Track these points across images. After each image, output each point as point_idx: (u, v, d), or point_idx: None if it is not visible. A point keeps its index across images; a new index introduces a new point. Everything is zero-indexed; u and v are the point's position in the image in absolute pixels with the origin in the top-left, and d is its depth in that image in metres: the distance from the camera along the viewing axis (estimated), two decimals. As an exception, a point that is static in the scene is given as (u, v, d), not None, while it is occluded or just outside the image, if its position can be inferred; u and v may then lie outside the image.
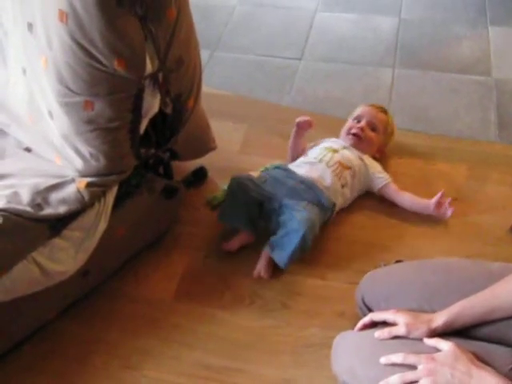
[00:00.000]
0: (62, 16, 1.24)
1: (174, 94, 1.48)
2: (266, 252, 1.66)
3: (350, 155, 1.83)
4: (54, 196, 1.41)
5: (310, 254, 1.70)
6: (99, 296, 1.62)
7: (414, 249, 1.71)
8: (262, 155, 2.00)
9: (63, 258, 1.42)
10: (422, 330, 1.14)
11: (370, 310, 1.32)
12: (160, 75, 1.40)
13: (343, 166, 1.78)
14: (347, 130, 1.90)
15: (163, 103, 1.47)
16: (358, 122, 1.91)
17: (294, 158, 1.91)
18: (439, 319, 1.14)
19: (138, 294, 1.65)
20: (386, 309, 1.23)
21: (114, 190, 1.51)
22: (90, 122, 1.36)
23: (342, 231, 1.78)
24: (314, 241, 1.67)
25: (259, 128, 2.11)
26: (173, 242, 1.77)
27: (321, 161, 1.79)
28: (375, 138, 1.89)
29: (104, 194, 1.47)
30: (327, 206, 1.72)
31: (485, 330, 1.14)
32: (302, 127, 1.88)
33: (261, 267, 1.66)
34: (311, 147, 1.90)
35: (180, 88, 1.48)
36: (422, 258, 1.59)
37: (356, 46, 2.48)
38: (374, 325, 1.25)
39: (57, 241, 1.40)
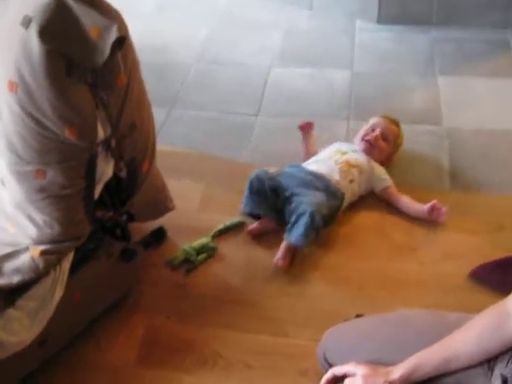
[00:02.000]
0: (12, 86, 1.25)
1: (128, 158, 1.48)
2: (285, 242, 1.81)
3: (358, 157, 2.02)
4: (8, 265, 1.39)
5: (273, 311, 1.70)
6: (59, 366, 1.57)
7: (374, 301, 1.71)
8: (222, 213, 2.00)
9: (18, 329, 1.39)
10: (379, 382, 1.14)
11: (332, 366, 1.31)
12: (113, 141, 1.40)
13: (350, 165, 1.98)
14: (362, 137, 2.09)
15: (117, 168, 1.47)
16: (373, 130, 2.10)
17: (306, 160, 2.09)
18: (397, 372, 1.14)
19: (100, 361, 1.61)
20: (348, 363, 1.23)
21: (70, 257, 1.48)
22: (42, 190, 1.35)
23: (303, 288, 1.78)
24: (276, 297, 1.69)
25: (218, 185, 2.12)
26: (134, 303, 1.74)
27: (330, 159, 2.00)
28: (386, 148, 2.09)
29: (59, 261, 1.45)
30: (335, 193, 1.91)
31: (445, 382, 1.14)
32: (304, 129, 2.15)
33: (279, 256, 1.80)
34: (324, 149, 2.10)
35: (134, 152, 1.49)
36: (382, 310, 1.62)
37: (311, 100, 2.53)
38: (336, 380, 1.24)
39: (11, 311, 1.37)
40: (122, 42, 1.26)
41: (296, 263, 1.84)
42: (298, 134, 2.20)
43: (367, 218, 2.00)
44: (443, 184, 2.11)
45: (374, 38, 2.93)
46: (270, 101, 2.54)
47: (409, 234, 1.93)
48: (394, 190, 2.00)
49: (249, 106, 2.51)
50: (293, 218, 1.82)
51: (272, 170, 2.00)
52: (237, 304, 1.74)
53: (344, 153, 2.03)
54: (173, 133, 2.37)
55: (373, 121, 2.15)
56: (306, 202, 1.82)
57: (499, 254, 1.82)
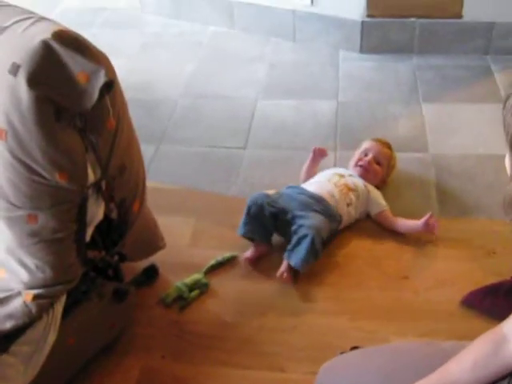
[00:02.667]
0: (1, 134, 1.25)
1: (119, 199, 1.48)
2: (285, 261, 1.86)
3: (356, 181, 2.07)
4: (0, 311, 1.38)
5: (267, 346, 1.70)
6: (53, 410, 1.56)
7: (369, 332, 1.71)
8: (213, 247, 2.01)
9: (12, 375, 1.38)
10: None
11: (330, 402, 1.31)
12: (103, 183, 1.41)
13: (348, 188, 2.03)
14: (355, 162, 2.15)
15: (108, 209, 1.48)
16: (365, 155, 2.16)
17: (305, 181, 2.14)
18: (395, 404, 1.14)
19: (95, 404, 1.60)
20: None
21: (63, 300, 1.48)
22: (34, 234, 1.35)
23: (297, 321, 1.78)
24: (270, 331, 1.70)
25: (208, 220, 2.12)
26: (128, 343, 1.73)
27: (329, 181, 2.05)
28: (380, 171, 2.15)
29: (52, 304, 1.44)
30: (334, 216, 1.96)
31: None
32: (318, 154, 2.19)
33: (283, 270, 1.85)
34: (322, 172, 2.15)
35: (124, 193, 1.49)
36: (377, 341, 1.63)
37: (298, 131, 2.55)
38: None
39: (4, 357, 1.36)
40: (110, 85, 1.27)
41: (288, 296, 1.85)
42: (287, 166, 2.22)
43: (358, 247, 2.01)
44: (432, 211, 2.11)
45: (358, 68, 2.97)
46: (257, 133, 2.56)
47: (400, 262, 1.94)
48: (389, 214, 2.05)
49: (236, 139, 2.53)
50: (294, 240, 1.86)
51: (271, 192, 2.03)
52: (231, 340, 1.74)
53: (341, 176, 2.08)
54: (161, 169, 2.38)
55: (365, 145, 2.21)
56: (308, 225, 1.86)
57: (490, 280, 1.84)
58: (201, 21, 3.42)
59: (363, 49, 3.03)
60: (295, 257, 1.84)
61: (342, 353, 1.50)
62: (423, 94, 2.75)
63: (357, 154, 2.20)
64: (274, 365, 1.66)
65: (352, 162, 2.18)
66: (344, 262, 1.96)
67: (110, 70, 1.28)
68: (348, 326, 1.75)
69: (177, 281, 1.86)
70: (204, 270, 1.92)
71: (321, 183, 2.07)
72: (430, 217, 1.96)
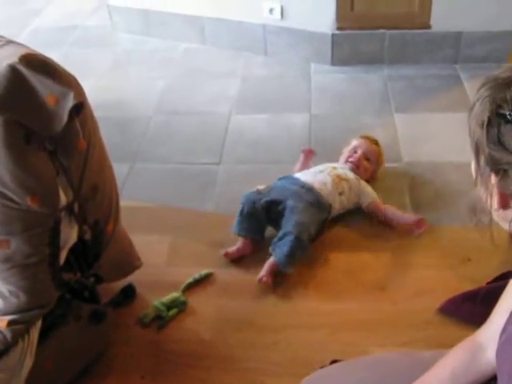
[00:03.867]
0: (-30, 159, 1.24)
1: (92, 220, 1.47)
2: (266, 264, 1.90)
3: (348, 173, 2.16)
4: (-26, 339, 1.36)
5: (247, 362, 1.69)
6: None
7: (348, 345, 1.72)
8: (190, 265, 2.00)
9: (-11, 403, 1.36)
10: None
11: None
12: (76, 205, 1.40)
13: (341, 178, 2.12)
14: (346, 159, 2.24)
15: (81, 231, 1.47)
16: (355, 152, 2.25)
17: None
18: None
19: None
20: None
21: (38, 325, 1.46)
22: (6, 260, 1.33)
23: (276, 336, 1.77)
24: (250, 348, 1.69)
25: (184, 237, 2.12)
26: (106, 365, 1.71)
27: (322, 171, 2.13)
28: (369, 167, 2.25)
29: (27, 330, 1.42)
30: (323, 206, 2.03)
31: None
32: (308, 154, 2.30)
33: (263, 273, 1.88)
34: (315, 166, 2.23)
35: (98, 214, 1.48)
36: (357, 354, 1.63)
37: (272, 145, 2.56)
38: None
39: (-20, 386, 1.34)
40: (80, 108, 1.26)
41: (267, 311, 1.84)
42: (262, 180, 2.22)
43: (334, 260, 2.01)
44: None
45: (330, 80, 2.99)
46: (232, 148, 2.56)
47: (377, 273, 1.95)
48: (379, 204, 2.13)
49: (211, 154, 2.53)
50: (280, 234, 1.93)
51: (261, 187, 2.10)
52: (211, 358, 1.72)
53: (335, 167, 2.18)
54: (136, 187, 2.36)
55: (354, 143, 2.31)
56: (295, 221, 1.92)
57: (467, 287, 1.85)
58: (172, 37, 3.43)
59: (334, 61, 3.06)
60: (278, 252, 1.90)
61: (321, 367, 1.50)
62: (395, 104, 2.78)
63: (346, 151, 2.29)
64: (254, 381, 1.65)
65: (342, 159, 2.26)
66: (321, 274, 1.96)
67: (79, 92, 1.27)
68: (327, 340, 1.75)
69: (154, 300, 1.85)
70: (182, 288, 1.91)
71: (314, 173, 2.15)
72: (422, 222, 2.05)
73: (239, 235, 2.03)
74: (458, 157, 2.41)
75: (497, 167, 0.84)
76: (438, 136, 2.55)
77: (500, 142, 0.82)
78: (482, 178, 0.88)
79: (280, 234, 1.94)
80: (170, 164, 2.50)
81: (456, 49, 2.97)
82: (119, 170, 2.34)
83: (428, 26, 2.92)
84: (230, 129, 2.69)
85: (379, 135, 2.54)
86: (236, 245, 2.02)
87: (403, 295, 1.87)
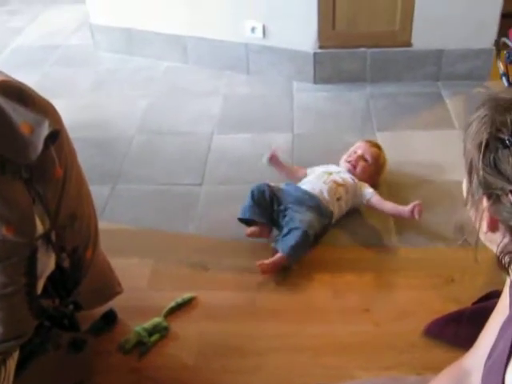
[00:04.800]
0: None
1: (70, 248, 1.45)
2: (272, 258, 1.97)
3: (344, 176, 2.23)
4: (-51, 371, 1.33)
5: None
6: None
7: (332, 368, 1.69)
8: (173, 289, 1.97)
9: None
10: None
11: None
12: (53, 234, 1.38)
13: (337, 184, 2.19)
14: (345, 159, 2.33)
15: (59, 259, 1.44)
16: (355, 153, 2.34)
17: (297, 179, 2.31)
18: None
19: None
20: None
21: (15, 355, 1.43)
22: (-19, 291, 1.30)
23: (258, 361, 1.75)
24: (233, 373, 1.66)
25: (166, 260, 2.09)
26: (88, 394, 1.68)
27: (318, 180, 2.20)
28: (367, 167, 2.31)
29: (4, 361, 1.39)
30: (325, 212, 2.12)
31: None
32: (272, 160, 2.32)
33: (267, 261, 1.95)
34: (312, 171, 2.31)
35: (76, 242, 1.46)
36: (341, 378, 1.61)
37: (255, 165, 2.53)
38: None
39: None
40: (55, 136, 1.24)
41: (251, 335, 1.82)
42: (245, 201, 2.21)
43: (317, 281, 1.99)
44: (391, 240, 2.13)
45: (312, 99, 2.99)
46: (214, 169, 2.54)
47: (361, 294, 1.94)
48: (378, 198, 2.20)
49: (193, 175, 2.51)
50: (285, 230, 2.02)
51: (272, 184, 2.20)
52: (194, 384, 1.70)
53: (330, 173, 2.24)
54: (117, 209, 2.34)
55: (356, 145, 2.40)
56: (300, 219, 2.02)
57: (451, 308, 1.84)
58: (154, 56, 3.42)
59: (316, 80, 3.07)
60: (285, 244, 1.97)
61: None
62: (377, 122, 2.79)
63: (348, 152, 2.37)
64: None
65: (342, 160, 2.35)
66: (304, 297, 1.94)
67: (55, 119, 1.26)
68: (311, 363, 1.73)
69: (136, 325, 1.81)
70: (164, 312, 1.88)
71: (312, 183, 2.20)
72: (417, 205, 2.08)
73: (247, 220, 2.12)
74: (441, 176, 2.42)
75: (490, 191, 0.82)
76: (421, 155, 2.55)
77: (496, 167, 0.80)
78: (473, 199, 0.87)
79: (285, 230, 2.02)
80: (151, 185, 2.47)
81: (438, 66, 2.99)
82: (100, 191, 2.36)
83: (409, 44, 2.94)
84: (212, 148, 2.67)
85: (362, 154, 2.55)
86: (253, 227, 2.12)
87: (387, 317, 1.85)
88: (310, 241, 2.02)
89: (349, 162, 2.32)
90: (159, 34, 3.33)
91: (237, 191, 2.39)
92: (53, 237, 1.38)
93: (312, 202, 2.12)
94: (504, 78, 2.94)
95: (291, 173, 2.37)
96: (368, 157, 2.32)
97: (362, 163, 2.31)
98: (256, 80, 3.18)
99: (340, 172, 2.27)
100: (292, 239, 1.97)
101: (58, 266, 1.47)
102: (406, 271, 2.01)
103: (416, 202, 2.08)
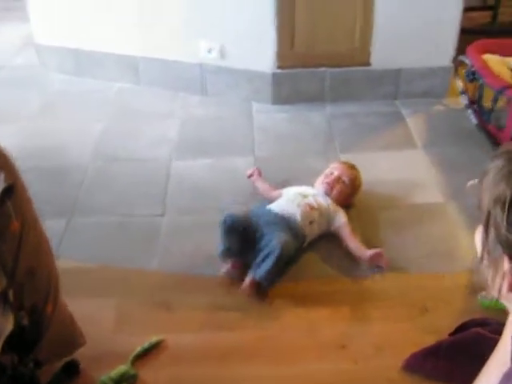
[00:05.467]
0: None
1: (29, 305, 1.33)
2: (250, 277, 1.95)
3: (319, 200, 2.20)
4: None
5: None
6: None
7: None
8: (139, 332, 1.85)
9: None
10: None
11: None
12: (10, 292, 1.25)
13: (311, 207, 2.15)
14: (322, 180, 2.30)
15: (18, 318, 1.32)
16: (331, 174, 2.31)
17: (271, 199, 2.27)
18: None
19: None
20: None
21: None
22: None
23: None
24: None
25: (130, 301, 1.96)
26: None
27: (293, 202, 2.16)
28: (344, 188, 2.28)
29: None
30: (299, 233, 2.08)
31: None
32: (253, 176, 2.39)
33: (245, 285, 1.94)
34: (287, 192, 2.27)
35: (35, 297, 1.34)
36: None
37: (217, 192, 2.45)
38: None
39: None
40: (11, 190, 1.13)
41: (223, 380, 1.72)
42: (210, 232, 2.12)
43: (291, 317, 1.91)
44: (362, 269, 2.07)
45: (272, 120, 2.93)
46: (175, 198, 2.44)
47: (336, 330, 1.86)
48: (347, 230, 2.16)
49: (153, 205, 2.40)
50: (261, 256, 1.96)
51: (243, 209, 2.14)
52: None
53: (305, 196, 2.20)
54: (75, 245, 2.20)
55: (332, 165, 2.37)
56: (277, 241, 1.95)
57: (428, 339, 1.79)
58: (105, 78, 3.30)
59: (275, 100, 3.01)
60: (260, 270, 1.93)
61: None
62: (340, 144, 2.74)
63: (324, 173, 2.34)
64: None
65: (319, 180, 2.32)
66: (278, 334, 1.85)
67: (9, 170, 1.14)
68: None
69: (101, 375, 1.69)
70: (130, 359, 1.76)
71: (284, 205, 2.17)
72: (377, 254, 2.03)
73: (226, 254, 2.05)
74: (408, 197, 2.39)
75: None
76: (386, 176, 2.52)
77: None
78: (491, 256, 0.80)
79: (262, 255, 1.96)
80: (110, 217, 2.35)
81: (396, 85, 2.99)
82: (54, 226, 2.22)
83: (368, 64, 2.92)
84: (171, 176, 2.56)
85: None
86: (228, 263, 2.06)
87: (365, 353, 1.79)
88: (283, 265, 1.99)
89: (326, 183, 2.29)
90: (110, 54, 3.21)
91: (200, 221, 2.30)
92: (10, 295, 1.26)
93: (285, 224, 2.08)
94: (463, 96, 2.94)
95: (268, 191, 2.35)
96: (345, 178, 2.30)
97: (338, 185, 2.28)
98: (213, 101, 3.09)
99: (315, 195, 2.23)
100: (269, 263, 1.93)
101: (17, 324, 1.34)
102: (380, 301, 1.95)
103: (376, 251, 2.04)
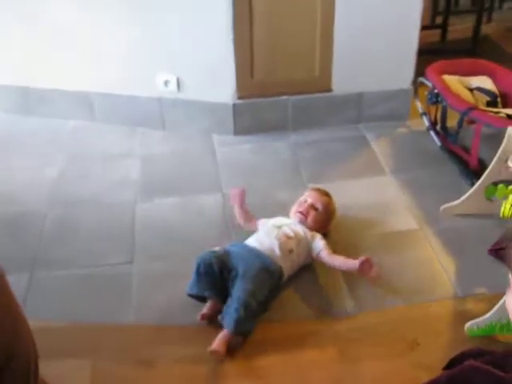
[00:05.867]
0: None
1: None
2: (221, 334, 1.85)
3: (295, 229, 2.16)
4: None
5: None
6: None
7: None
8: (120, 394, 1.73)
9: None
10: None
11: None
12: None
13: (287, 237, 2.12)
14: (296, 209, 2.27)
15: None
16: (305, 201, 2.28)
17: (244, 226, 2.29)
18: None
19: None
20: None
21: None
22: None
23: None
24: None
25: (107, 360, 1.83)
26: None
27: (269, 236, 2.12)
28: (318, 216, 2.25)
29: None
30: (274, 270, 2.02)
31: None
32: (235, 200, 2.31)
33: (216, 342, 1.81)
34: (262, 224, 2.23)
35: (14, 382, 1.21)
36: None
37: (187, 234, 2.34)
38: None
39: None
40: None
41: None
42: (184, 277, 2.02)
43: (279, 360, 1.82)
44: (346, 305, 2.01)
45: (235, 152, 2.86)
46: (144, 243, 2.31)
47: (327, 371, 1.78)
48: (327, 252, 2.12)
49: (121, 252, 2.26)
50: (228, 301, 1.91)
51: (216, 248, 2.07)
52: None
53: (279, 227, 2.16)
54: (41, 302, 2.04)
55: (306, 193, 2.34)
56: (243, 288, 1.91)
57: (422, 376, 1.70)
58: (57, 115, 3.14)
59: (237, 131, 2.94)
60: (228, 318, 1.86)
61: None
62: (307, 173, 2.69)
63: (298, 201, 2.31)
64: None
65: (293, 209, 2.28)
66: (267, 381, 1.77)
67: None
68: None
69: None
70: (113, 426, 1.64)
71: (262, 239, 2.12)
72: (366, 260, 1.98)
73: (197, 296, 1.99)
74: (382, 224, 2.35)
75: None
76: (357, 205, 2.47)
77: None
78: None
79: (229, 301, 1.91)
80: (75, 269, 2.19)
81: (358, 109, 2.97)
82: (17, 282, 2.03)
83: (329, 90, 2.89)
84: (137, 219, 2.44)
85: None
86: (205, 306, 1.97)
87: (359, 396, 1.72)
88: (255, 310, 1.90)
89: (300, 212, 2.25)
90: (61, 91, 3.06)
91: (173, 267, 2.18)
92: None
93: (259, 263, 2.00)
94: (425, 118, 2.94)
95: (248, 220, 2.30)
96: (319, 205, 2.26)
97: (312, 212, 2.25)
98: (173, 136, 2.99)
99: (291, 224, 2.20)
100: (234, 313, 1.85)
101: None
102: (369, 339, 1.89)
103: (363, 258, 1.98)
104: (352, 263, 2.02)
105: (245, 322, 1.86)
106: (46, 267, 2.21)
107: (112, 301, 2.06)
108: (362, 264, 1.98)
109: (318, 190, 2.34)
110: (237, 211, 2.31)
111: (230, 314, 1.85)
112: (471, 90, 2.75)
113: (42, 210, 2.51)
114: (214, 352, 1.79)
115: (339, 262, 2.09)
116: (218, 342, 1.81)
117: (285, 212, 2.33)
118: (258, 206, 2.43)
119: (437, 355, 1.77)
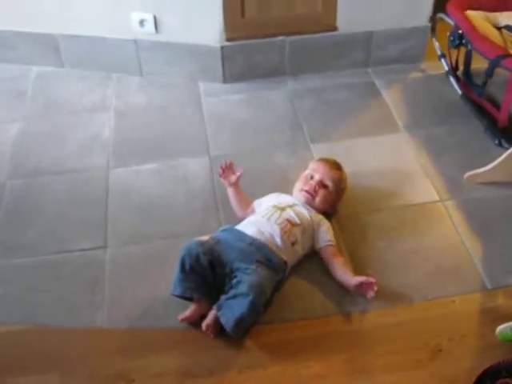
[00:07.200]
0: None
1: None
2: (213, 311, 1.62)
3: (300, 212, 1.84)
4: None
5: None
6: None
7: None
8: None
9: None
10: None
11: None
12: None
13: (292, 224, 1.79)
14: (300, 186, 1.93)
15: None
16: (311, 178, 1.93)
17: (241, 216, 1.91)
18: None
19: None
20: None
21: None
22: None
23: None
24: None
25: (76, 375, 1.55)
26: None
27: (269, 219, 1.80)
28: (327, 195, 1.92)
29: None
30: (278, 266, 1.73)
31: None
32: (230, 178, 1.93)
33: (209, 323, 1.62)
34: (259, 205, 1.90)
35: None
36: None
37: (169, 209, 2.02)
38: None
39: None
40: None
41: None
42: (165, 265, 1.76)
43: (278, 375, 1.56)
44: (355, 302, 1.72)
45: (225, 104, 2.51)
46: (118, 221, 1.98)
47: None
48: (333, 251, 1.83)
49: (92, 234, 1.94)
50: (231, 293, 1.63)
51: (205, 237, 1.76)
52: None
53: (282, 209, 1.84)
54: (-2, 301, 1.74)
55: (311, 166, 1.99)
56: (249, 283, 1.62)
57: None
58: (20, 61, 2.74)
59: (227, 78, 2.60)
60: (228, 315, 1.59)
61: None
62: (308, 130, 2.36)
63: (302, 176, 1.96)
64: None
65: (297, 186, 1.95)
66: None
67: None
68: None
69: None
70: None
71: (260, 224, 1.80)
72: (365, 283, 1.70)
73: (182, 297, 1.68)
74: (397, 196, 2.06)
75: None
76: (366, 169, 2.14)
77: None
78: None
79: (231, 293, 1.63)
80: (38, 256, 1.87)
81: (367, 51, 2.65)
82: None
83: (334, 28, 2.54)
84: (111, 190, 2.09)
85: (297, 177, 2.05)
86: (189, 308, 1.67)
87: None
88: (260, 310, 1.64)
89: (306, 191, 1.91)
90: (23, 33, 2.65)
91: (153, 251, 1.88)
92: None
93: (261, 255, 1.71)
94: (444, 61, 2.56)
95: (243, 204, 1.94)
96: (328, 182, 1.92)
97: (321, 191, 1.91)
98: (152, 84, 2.61)
99: (294, 205, 1.86)
100: (237, 310, 1.58)
101: None
102: (382, 346, 1.63)
103: (364, 279, 1.70)
104: (348, 282, 1.73)
105: (246, 322, 1.60)
106: (2, 254, 1.88)
107: (82, 297, 1.76)
108: (359, 287, 1.70)
109: (327, 162, 1.98)
110: (232, 198, 1.96)
111: (232, 309, 1.58)
112: (499, 28, 2.38)
113: (1, 179, 2.16)
114: (206, 330, 1.61)
115: (338, 272, 1.77)
116: (212, 323, 1.62)
117: (283, 180, 2.01)
118: (252, 173, 2.08)
119: (462, 365, 1.55)
